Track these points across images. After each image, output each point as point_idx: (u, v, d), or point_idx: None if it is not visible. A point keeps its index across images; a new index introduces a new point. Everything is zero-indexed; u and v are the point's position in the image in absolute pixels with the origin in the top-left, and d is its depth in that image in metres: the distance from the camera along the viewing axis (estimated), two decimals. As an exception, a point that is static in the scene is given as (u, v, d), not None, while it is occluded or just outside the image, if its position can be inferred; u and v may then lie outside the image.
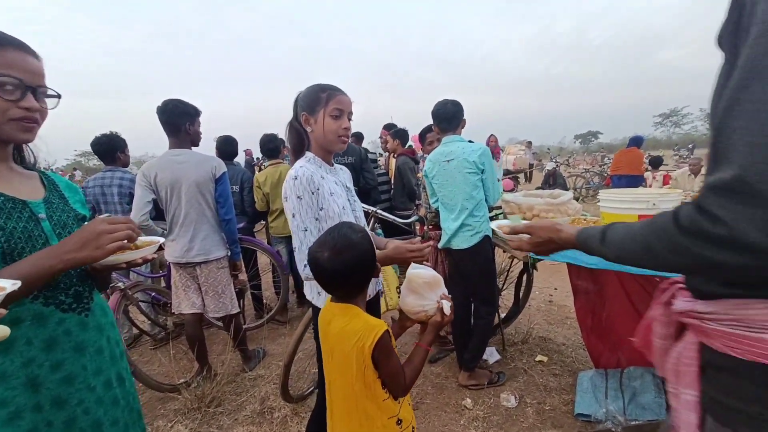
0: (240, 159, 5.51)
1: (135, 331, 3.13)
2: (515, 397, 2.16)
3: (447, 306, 1.12)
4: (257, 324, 3.28)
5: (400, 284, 2.69)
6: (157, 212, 2.41)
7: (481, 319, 2.31)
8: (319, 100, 1.31)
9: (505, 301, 3.03)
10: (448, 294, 1.17)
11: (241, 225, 3.04)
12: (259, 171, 4.21)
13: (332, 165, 1.43)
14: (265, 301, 3.55)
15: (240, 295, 2.87)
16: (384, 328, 0.99)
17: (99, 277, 0.98)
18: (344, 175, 1.50)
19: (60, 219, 0.90)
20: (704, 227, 0.48)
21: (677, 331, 0.64)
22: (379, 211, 2.51)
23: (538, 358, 2.56)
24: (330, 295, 1.11)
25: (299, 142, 1.39)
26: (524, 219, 1.60)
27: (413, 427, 1.08)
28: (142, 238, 0.93)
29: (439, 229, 2.38)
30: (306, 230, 1.26)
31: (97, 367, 0.91)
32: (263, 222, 3.91)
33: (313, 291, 1.39)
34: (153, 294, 2.98)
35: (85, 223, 0.93)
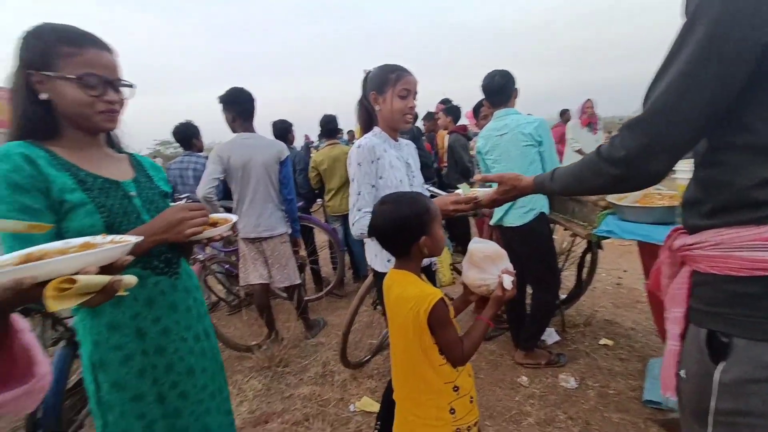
0: (298, 143, 5.75)
1: (213, 298, 3.52)
2: (575, 379, 2.09)
3: (508, 280, 1.10)
4: (317, 296, 3.51)
5: (453, 262, 2.70)
6: (224, 191, 2.65)
7: (537, 300, 2.23)
8: (388, 81, 1.38)
9: (567, 282, 2.89)
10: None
11: (299, 204, 3.23)
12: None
13: (397, 141, 1.49)
14: (323, 276, 3.77)
15: (300, 269, 3.08)
16: (438, 296, 1.01)
17: (184, 248, 1.13)
18: (408, 150, 1.56)
19: (147, 196, 1.02)
20: (611, 152, 0.72)
21: (679, 268, 0.77)
22: (430, 187, 2.51)
23: (603, 341, 2.43)
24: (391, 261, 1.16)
25: (368, 119, 1.47)
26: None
27: (472, 397, 1.10)
28: (218, 215, 1.04)
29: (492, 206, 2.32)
30: (359, 194, 1.36)
31: (187, 323, 1.05)
32: (319, 202, 4.10)
33: (370, 253, 1.49)
34: (227, 266, 3.32)
35: (168, 200, 1.07)
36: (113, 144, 1.07)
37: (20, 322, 0.54)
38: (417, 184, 1.52)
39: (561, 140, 5.50)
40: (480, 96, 2.34)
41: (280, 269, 2.57)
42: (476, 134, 3.37)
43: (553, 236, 2.33)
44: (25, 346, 0.55)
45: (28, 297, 0.46)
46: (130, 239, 0.53)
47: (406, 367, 1.08)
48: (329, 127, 3.44)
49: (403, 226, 1.05)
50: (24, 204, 0.79)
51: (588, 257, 2.69)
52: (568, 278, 2.87)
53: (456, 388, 1.06)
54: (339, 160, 3.31)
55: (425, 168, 3.37)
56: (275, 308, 3.23)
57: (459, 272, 2.44)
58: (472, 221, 3.56)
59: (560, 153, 5.40)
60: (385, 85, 1.38)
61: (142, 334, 0.95)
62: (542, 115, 2.50)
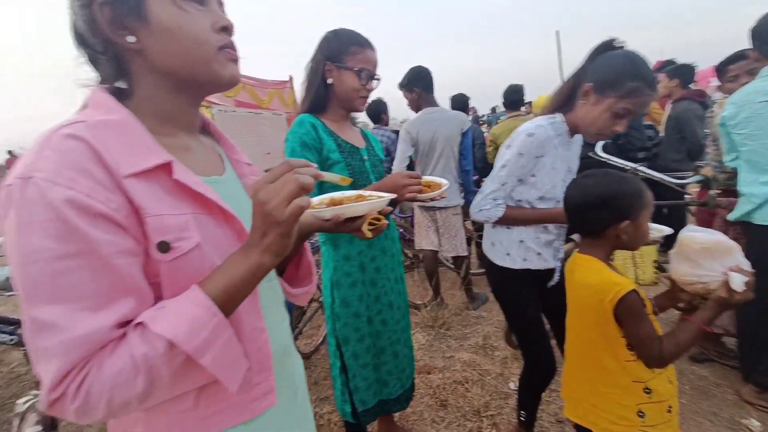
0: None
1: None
2: None
3: (739, 281, 0.86)
4: (481, 271, 3.52)
5: (658, 260, 2.23)
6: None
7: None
8: (620, 88, 1.07)
9: None
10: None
11: (474, 178, 3.25)
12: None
13: (572, 137, 1.25)
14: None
15: (468, 242, 3.15)
16: (630, 287, 0.89)
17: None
18: (576, 149, 1.32)
19: (373, 161, 1.29)
20: None
21: None
22: (641, 168, 2.09)
23: None
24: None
25: (567, 97, 1.21)
26: None
27: (670, 407, 0.94)
28: (430, 178, 1.15)
29: (732, 194, 1.79)
30: (504, 184, 1.23)
31: (392, 266, 1.29)
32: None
33: (486, 242, 1.38)
34: (401, 230, 3.68)
35: (383, 165, 1.33)
36: (354, 123, 1.38)
37: (306, 243, 0.77)
38: None
39: None
40: (709, 56, 1.76)
41: (449, 239, 2.70)
42: (712, 102, 2.57)
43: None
44: (308, 261, 0.76)
45: (336, 227, 0.66)
46: (390, 194, 0.70)
47: (584, 352, 1.02)
48: (512, 98, 3.25)
49: (606, 203, 0.94)
50: (308, 158, 1.11)
51: None
52: None
53: (648, 390, 0.93)
54: None
55: (637, 150, 2.79)
56: (442, 276, 3.43)
57: (664, 271, 2.02)
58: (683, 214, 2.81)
59: None
60: (613, 88, 1.07)
61: (363, 267, 1.20)
62: None
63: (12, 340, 1.50)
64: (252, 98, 5.30)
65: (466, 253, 2.80)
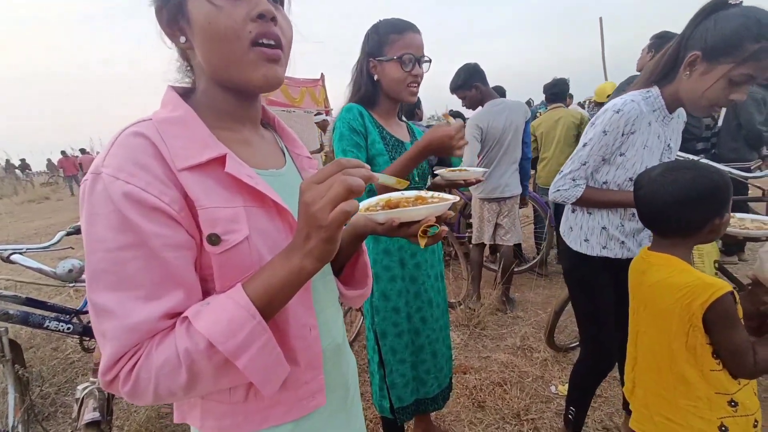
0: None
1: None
2: None
3: None
4: (522, 269, 3.41)
5: (720, 260, 2.05)
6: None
7: None
8: (738, 52, 0.92)
9: None
10: None
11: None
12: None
13: (671, 114, 1.13)
14: (523, 250, 3.61)
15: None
16: (727, 288, 0.80)
17: None
18: (677, 127, 1.20)
19: None
20: None
21: None
22: (703, 161, 1.92)
23: None
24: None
25: (665, 69, 1.08)
26: None
27: (756, 421, 0.85)
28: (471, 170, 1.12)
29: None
30: (585, 164, 1.16)
31: (432, 263, 1.24)
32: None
33: (565, 225, 1.32)
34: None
35: (427, 162, 1.25)
36: (412, 117, 1.33)
37: (363, 245, 0.73)
38: None
39: None
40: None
41: (512, 228, 2.66)
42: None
43: None
44: (364, 262, 0.73)
45: (390, 232, 0.60)
46: (453, 197, 0.63)
47: (661, 361, 0.92)
48: (553, 91, 3.14)
49: (707, 198, 0.86)
50: (356, 141, 1.10)
51: None
52: None
53: (733, 404, 0.85)
54: (560, 124, 3.01)
55: (696, 140, 2.60)
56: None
57: (725, 273, 1.86)
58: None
59: None
60: (729, 53, 0.92)
61: (403, 263, 1.17)
62: None
63: (69, 328, 1.59)
64: (285, 97, 5.40)
65: (521, 241, 2.81)
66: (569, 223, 1.31)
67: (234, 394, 0.53)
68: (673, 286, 0.86)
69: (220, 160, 0.50)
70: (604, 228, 1.21)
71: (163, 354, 0.44)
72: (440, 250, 1.32)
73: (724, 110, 2.57)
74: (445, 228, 0.59)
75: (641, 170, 1.10)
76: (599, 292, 1.28)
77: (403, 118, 1.33)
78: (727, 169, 1.95)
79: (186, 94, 0.56)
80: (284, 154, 0.66)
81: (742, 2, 0.95)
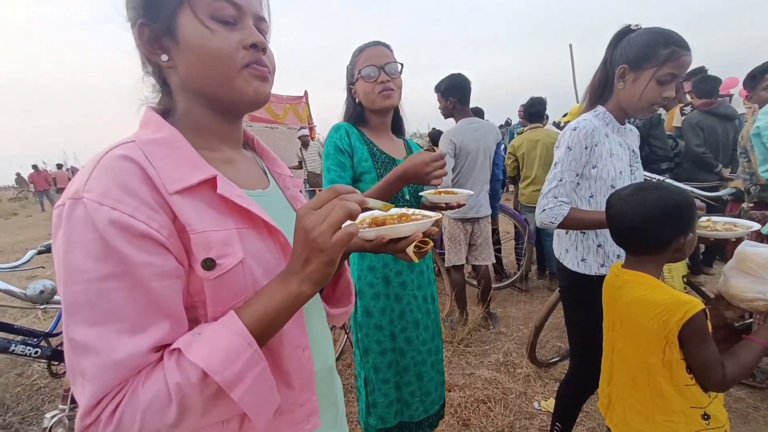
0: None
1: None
2: None
3: None
4: (502, 285, 3.46)
5: (688, 275, 2.15)
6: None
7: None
8: (656, 57, 1.08)
9: None
10: None
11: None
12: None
13: (624, 125, 1.27)
14: (504, 266, 3.67)
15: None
16: (700, 306, 0.84)
17: None
18: (633, 137, 1.32)
19: None
20: None
21: None
22: (668, 181, 2.04)
23: None
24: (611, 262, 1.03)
25: (600, 89, 1.24)
26: None
27: None
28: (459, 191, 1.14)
29: (766, 207, 1.74)
30: (561, 180, 1.20)
31: (419, 283, 1.23)
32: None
33: (560, 247, 1.34)
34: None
35: None
36: (396, 131, 1.34)
37: (345, 263, 0.74)
38: (639, 176, 1.28)
39: None
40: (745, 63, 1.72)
41: (485, 248, 2.68)
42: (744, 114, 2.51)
43: None
44: (347, 280, 0.73)
45: (378, 248, 0.62)
46: (436, 214, 0.65)
47: (637, 376, 0.95)
48: (532, 111, 3.22)
49: (673, 217, 0.90)
50: (340, 161, 1.12)
51: None
52: None
53: (706, 417, 0.88)
54: (540, 144, 3.09)
55: (660, 161, 2.75)
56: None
57: (693, 287, 1.95)
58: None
59: None
60: (648, 61, 1.09)
61: (388, 281, 1.17)
62: None
63: (36, 352, 1.51)
64: (268, 113, 5.41)
65: (494, 261, 2.82)
66: (564, 245, 1.32)
67: (227, 425, 0.51)
68: (649, 303, 0.89)
69: (211, 182, 0.49)
70: (599, 246, 1.24)
71: (151, 390, 0.41)
72: (430, 272, 1.30)
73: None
74: (432, 244, 0.62)
75: (617, 176, 1.20)
76: (597, 312, 1.28)
77: (401, 136, 1.34)
78: (692, 189, 2.07)
79: (163, 114, 0.55)
80: (266, 174, 0.66)
81: (640, 26, 1.15)
